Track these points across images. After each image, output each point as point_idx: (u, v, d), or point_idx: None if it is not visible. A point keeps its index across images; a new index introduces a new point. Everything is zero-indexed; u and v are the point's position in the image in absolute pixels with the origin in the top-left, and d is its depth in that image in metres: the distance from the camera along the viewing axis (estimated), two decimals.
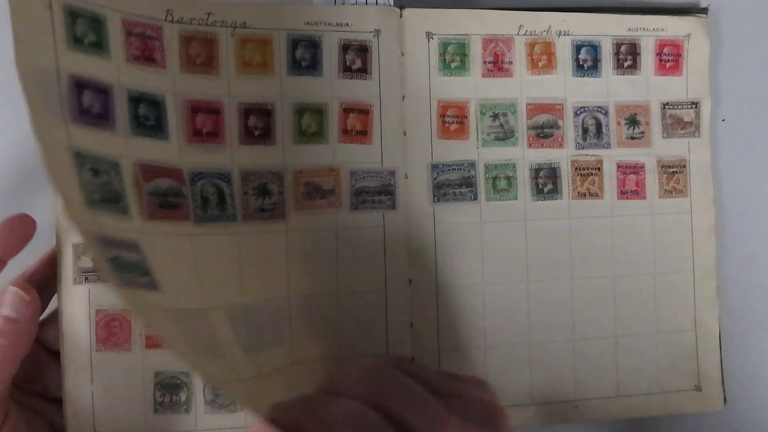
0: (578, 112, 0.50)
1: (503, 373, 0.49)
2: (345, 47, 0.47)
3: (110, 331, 0.46)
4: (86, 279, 0.46)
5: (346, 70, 0.48)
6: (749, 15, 0.55)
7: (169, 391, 0.46)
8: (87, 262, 0.46)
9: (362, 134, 0.48)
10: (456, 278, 0.49)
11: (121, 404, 0.46)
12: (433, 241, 0.49)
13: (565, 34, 0.50)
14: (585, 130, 0.50)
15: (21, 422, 0.42)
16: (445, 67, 0.49)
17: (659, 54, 0.51)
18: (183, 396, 0.46)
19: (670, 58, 0.51)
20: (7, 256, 0.43)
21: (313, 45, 0.47)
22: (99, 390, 0.46)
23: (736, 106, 0.54)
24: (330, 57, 0.48)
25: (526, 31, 0.50)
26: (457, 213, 0.49)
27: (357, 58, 0.47)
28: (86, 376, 0.46)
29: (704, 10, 0.52)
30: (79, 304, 0.46)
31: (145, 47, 0.44)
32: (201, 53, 0.46)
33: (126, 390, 0.46)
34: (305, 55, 0.47)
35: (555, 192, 0.50)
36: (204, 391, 0.47)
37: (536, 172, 0.50)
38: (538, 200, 0.50)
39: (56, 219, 0.46)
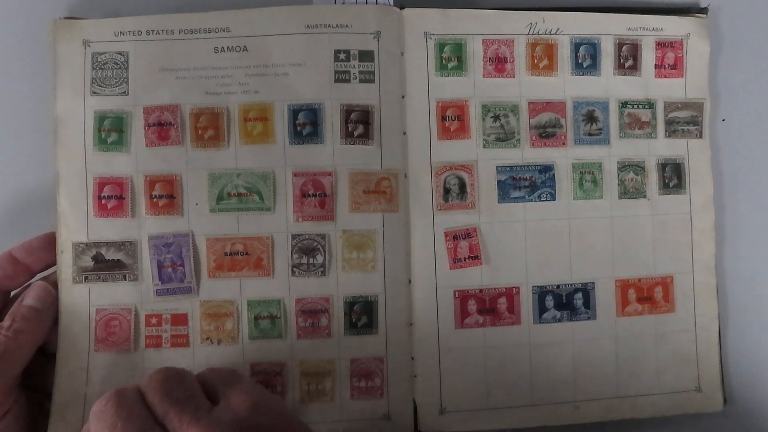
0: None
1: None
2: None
3: (110, 330, 0.47)
4: (86, 278, 0.47)
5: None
6: (749, 15, 0.56)
7: None
8: (87, 261, 0.47)
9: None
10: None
11: None
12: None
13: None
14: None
15: (25, 409, 0.44)
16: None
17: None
18: None
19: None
20: (38, 268, 0.46)
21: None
22: (93, 393, 0.46)
23: (736, 106, 0.55)
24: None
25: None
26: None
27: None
28: (81, 378, 0.46)
29: (704, 10, 0.53)
30: (78, 303, 0.46)
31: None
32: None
33: None
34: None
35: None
36: None
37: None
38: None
39: (57, 219, 0.47)
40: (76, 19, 0.48)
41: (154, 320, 0.47)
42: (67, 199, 0.47)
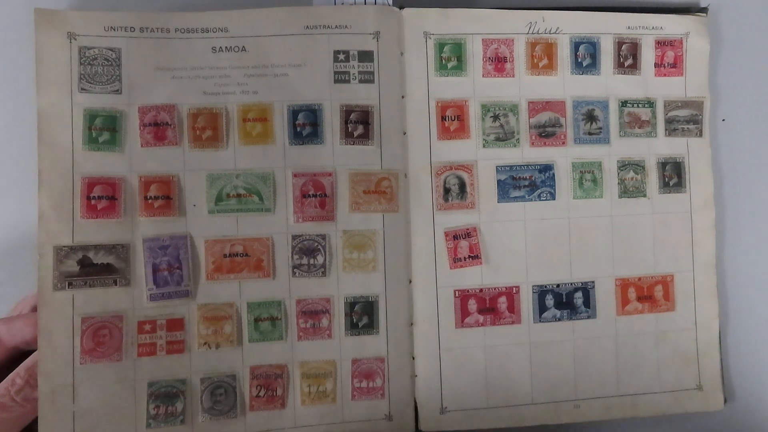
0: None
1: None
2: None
3: (98, 340, 0.44)
4: (70, 284, 0.44)
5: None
6: (749, 14, 0.56)
7: (164, 402, 0.46)
8: (71, 266, 0.45)
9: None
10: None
11: (108, 423, 0.44)
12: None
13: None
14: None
15: None
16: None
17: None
18: (179, 406, 0.46)
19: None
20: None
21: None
22: (81, 409, 0.44)
23: (736, 105, 0.56)
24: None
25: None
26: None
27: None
28: (66, 395, 0.44)
29: (704, 10, 0.53)
30: (60, 312, 0.44)
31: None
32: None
33: (115, 405, 0.45)
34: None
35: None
36: (201, 398, 0.46)
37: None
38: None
39: (38, 221, 0.45)
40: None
41: (147, 327, 0.46)
42: (48, 200, 0.45)
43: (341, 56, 0.49)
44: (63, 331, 0.44)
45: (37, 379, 0.43)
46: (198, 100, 0.47)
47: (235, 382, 0.47)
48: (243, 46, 0.48)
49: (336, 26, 0.48)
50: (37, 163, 0.45)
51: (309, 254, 0.48)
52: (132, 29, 0.47)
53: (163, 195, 0.46)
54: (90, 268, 0.45)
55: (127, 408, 0.45)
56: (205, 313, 0.47)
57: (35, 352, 0.43)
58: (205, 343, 0.46)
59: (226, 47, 0.48)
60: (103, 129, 0.46)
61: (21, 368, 0.42)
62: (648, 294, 0.52)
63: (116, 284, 0.45)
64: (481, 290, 0.50)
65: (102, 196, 0.45)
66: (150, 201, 0.46)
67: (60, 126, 0.45)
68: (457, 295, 0.50)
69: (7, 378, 0.41)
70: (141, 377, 0.45)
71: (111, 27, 0.46)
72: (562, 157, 0.51)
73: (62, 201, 0.45)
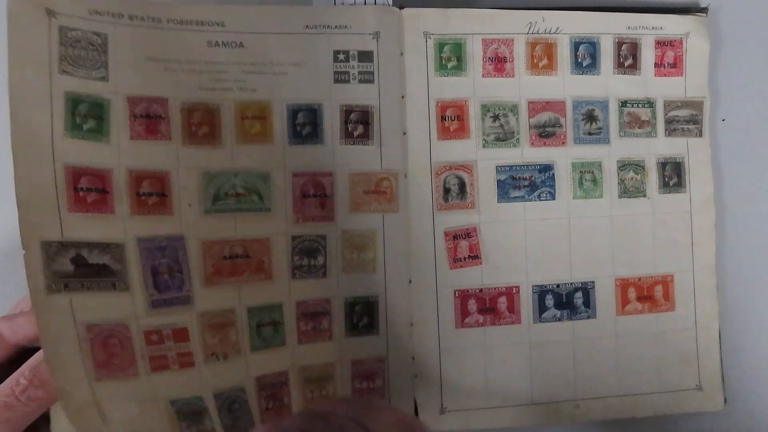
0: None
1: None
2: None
3: (110, 351, 0.40)
4: (66, 286, 0.39)
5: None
6: (749, 14, 0.56)
7: (193, 420, 0.42)
8: (65, 265, 0.39)
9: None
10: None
11: None
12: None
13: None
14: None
15: None
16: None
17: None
18: (209, 424, 0.42)
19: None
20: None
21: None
22: (114, 430, 0.39)
23: (736, 105, 0.56)
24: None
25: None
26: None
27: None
28: (93, 414, 0.38)
29: (704, 10, 0.53)
30: (61, 319, 0.39)
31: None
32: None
33: (146, 425, 0.40)
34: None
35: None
36: (220, 415, 0.43)
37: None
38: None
39: (17, 210, 0.39)
40: None
41: (154, 337, 0.42)
42: (27, 188, 0.39)
43: (341, 56, 0.49)
44: (69, 342, 0.39)
45: (59, 400, 0.39)
46: (193, 94, 0.46)
47: (246, 396, 0.44)
48: (240, 42, 0.47)
49: (336, 26, 0.48)
50: (11, 145, 0.39)
51: (309, 255, 0.48)
52: (120, 15, 0.44)
53: (158, 192, 0.44)
54: (86, 268, 0.40)
55: (160, 428, 0.41)
56: (208, 320, 0.44)
57: (39, 351, 0.43)
58: (212, 354, 0.43)
59: (222, 42, 0.46)
60: (89, 116, 0.42)
61: (25, 368, 0.42)
62: (648, 294, 0.52)
63: (115, 288, 0.41)
64: (481, 290, 0.50)
65: (91, 188, 0.41)
66: (143, 198, 0.43)
67: (37, 107, 0.41)
68: (457, 295, 0.50)
69: (11, 377, 0.41)
70: (162, 395, 0.41)
71: (96, 11, 0.43)
72: (562, 157, 0.51)
73: (43, 190, 0.40)
